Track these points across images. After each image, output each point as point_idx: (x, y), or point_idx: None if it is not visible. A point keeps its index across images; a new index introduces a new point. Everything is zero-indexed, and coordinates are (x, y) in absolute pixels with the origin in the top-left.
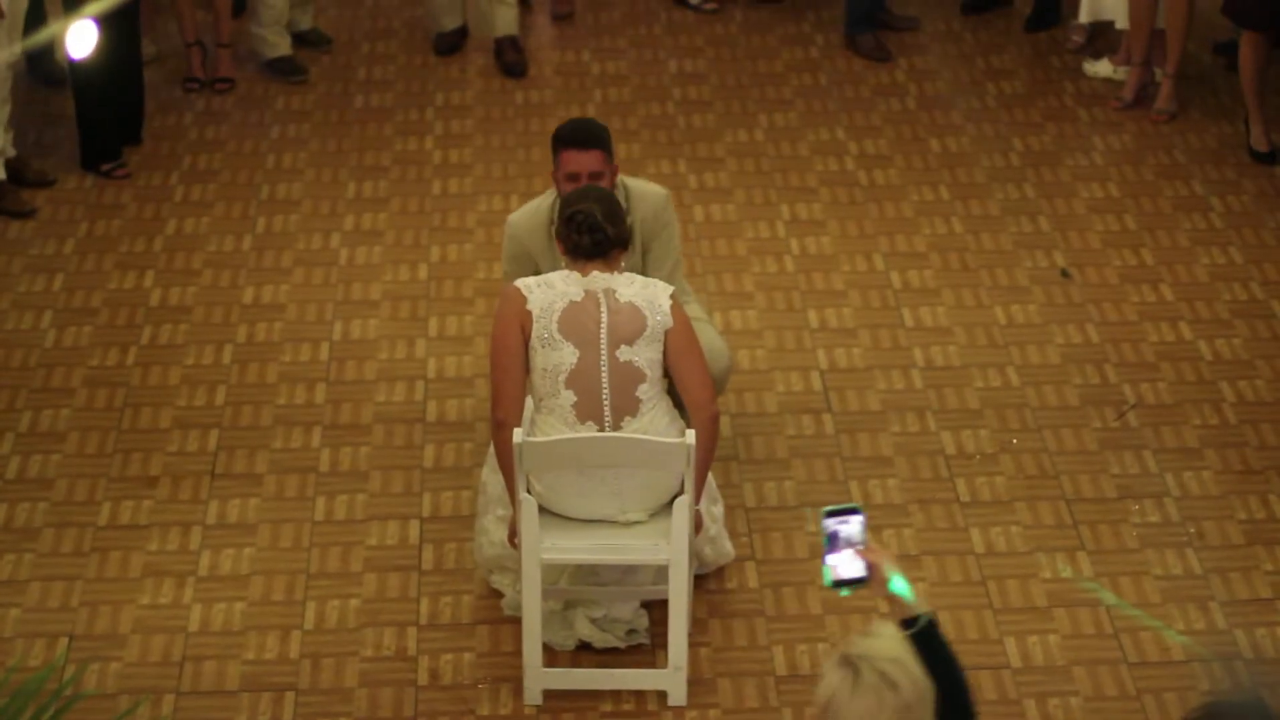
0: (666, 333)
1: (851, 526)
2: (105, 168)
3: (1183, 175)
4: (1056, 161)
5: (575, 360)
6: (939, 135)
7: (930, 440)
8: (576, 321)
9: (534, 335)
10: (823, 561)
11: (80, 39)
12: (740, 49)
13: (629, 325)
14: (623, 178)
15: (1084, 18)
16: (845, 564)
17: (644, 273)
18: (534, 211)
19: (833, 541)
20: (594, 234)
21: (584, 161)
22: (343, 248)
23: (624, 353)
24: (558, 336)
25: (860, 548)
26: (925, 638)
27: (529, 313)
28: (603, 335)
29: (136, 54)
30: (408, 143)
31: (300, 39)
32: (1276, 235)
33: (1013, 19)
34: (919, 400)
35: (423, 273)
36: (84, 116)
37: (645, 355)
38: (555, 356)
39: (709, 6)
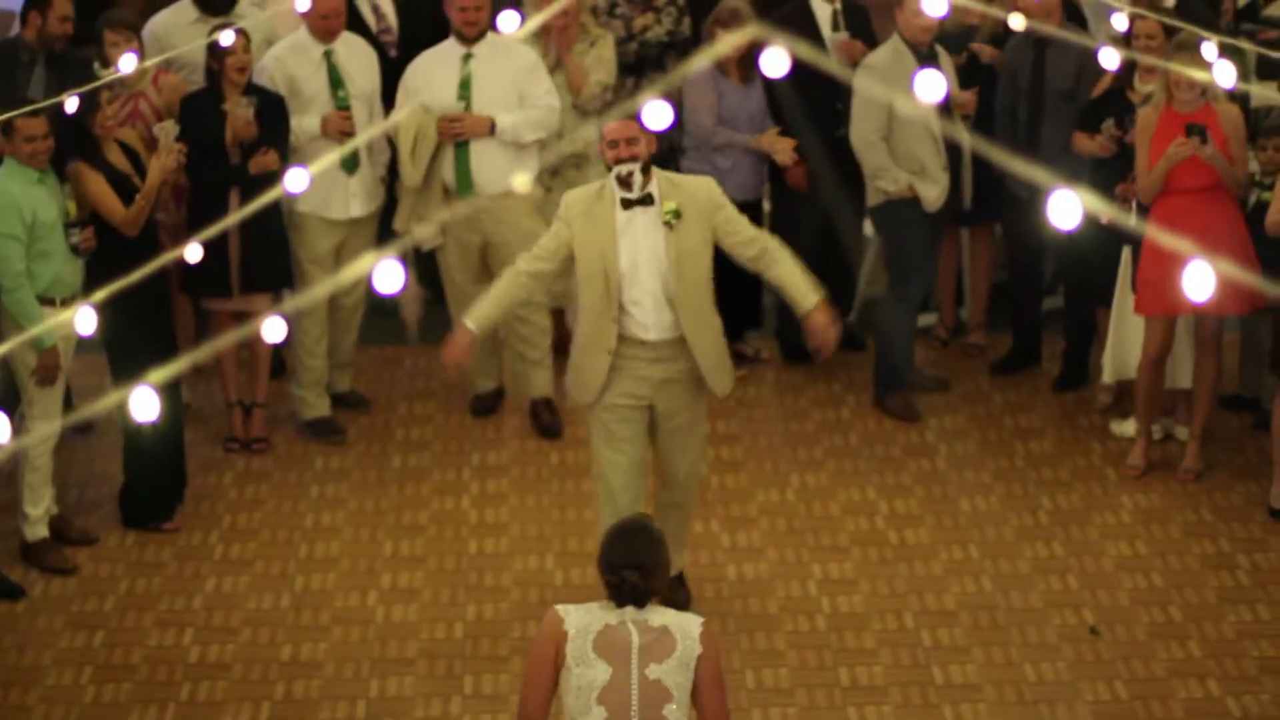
0: (698, 659)
1: None
2: (153, 524)
3: (1210, 533)
4: (1085, 520)
5: (607, 678)
6: (969, 494)
7: None
8: (610, 642)
9: (569, 656)
10: None
11: (143, 405)
12: (773, 410)
13: (659, 645)
14: (662, 172)
15: (1108, 378)
16: None
17: (723, 244)
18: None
19: None
20: (635, 596)
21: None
22: (379, 605)
23: (653, 671)
24: (592, 655)
25: None
26: None
27: (565, 633)
28: (634, 654)
29: (179, 415)
30: (444, 502)
31: (339, 400)
32: None
33: (1041, 379)
34: None
35: (459, 631)
36: (131, 477)
37: (674, 678)
38: (589, 675)
39: (739, 374)
